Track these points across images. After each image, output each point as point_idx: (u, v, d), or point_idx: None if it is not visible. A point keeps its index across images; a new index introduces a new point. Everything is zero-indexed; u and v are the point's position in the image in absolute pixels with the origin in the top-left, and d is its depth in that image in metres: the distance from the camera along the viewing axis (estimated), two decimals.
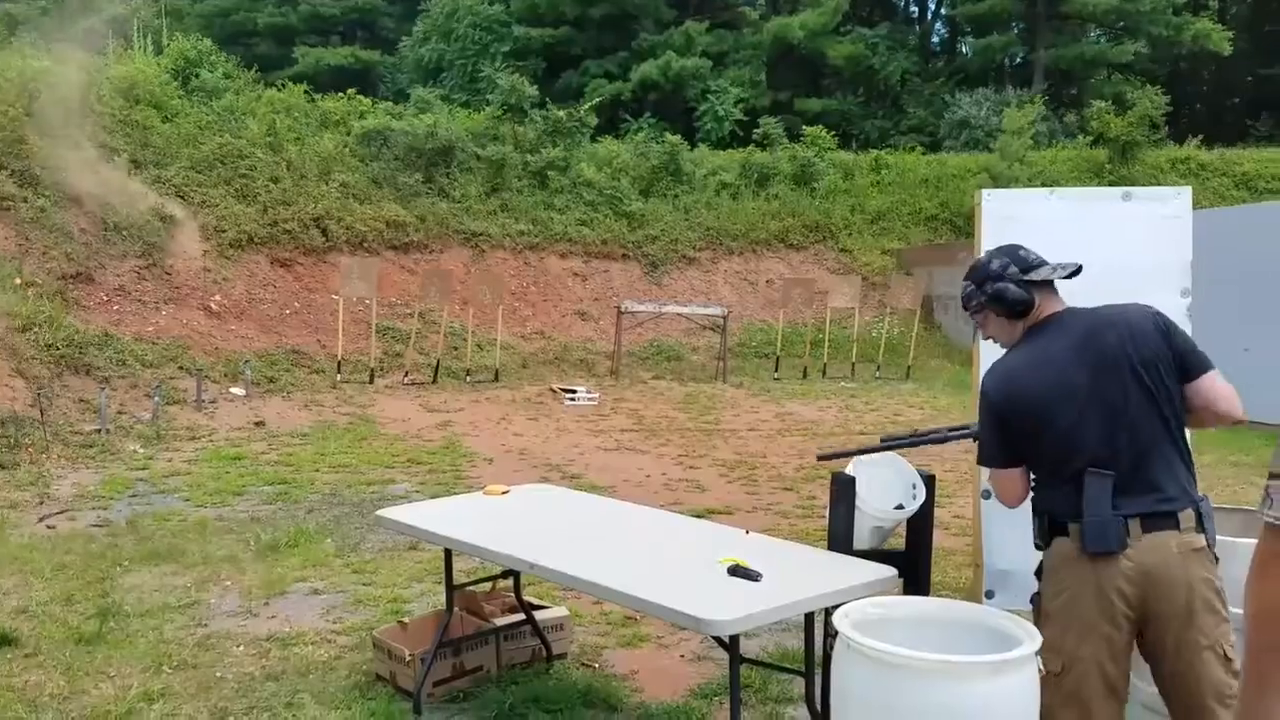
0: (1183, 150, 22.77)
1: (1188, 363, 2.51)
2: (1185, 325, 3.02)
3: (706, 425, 11.21)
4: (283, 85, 19.39)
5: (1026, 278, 2.61)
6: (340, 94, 19.49)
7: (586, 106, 20.92)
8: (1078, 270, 2.58)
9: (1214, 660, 2.43)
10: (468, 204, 17.51)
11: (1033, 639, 2.45)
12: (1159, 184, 17.45)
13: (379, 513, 3.97)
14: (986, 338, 2.74)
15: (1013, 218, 3.11)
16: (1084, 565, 2.50)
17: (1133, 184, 16.73)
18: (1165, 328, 2.52)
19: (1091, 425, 2.49)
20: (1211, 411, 2.52)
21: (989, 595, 3.15)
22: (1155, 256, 3.04)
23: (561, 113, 19.75)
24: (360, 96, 19.59)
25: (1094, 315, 2.58)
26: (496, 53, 29.22)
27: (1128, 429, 2.48)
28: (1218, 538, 2.54)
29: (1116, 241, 3.05)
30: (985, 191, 3.11)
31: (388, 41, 34.01)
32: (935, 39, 36.57)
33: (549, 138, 19.24)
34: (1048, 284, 2.64)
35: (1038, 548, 2.64)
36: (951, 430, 3.00)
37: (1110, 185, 17.04)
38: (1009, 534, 3.03)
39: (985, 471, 3.15)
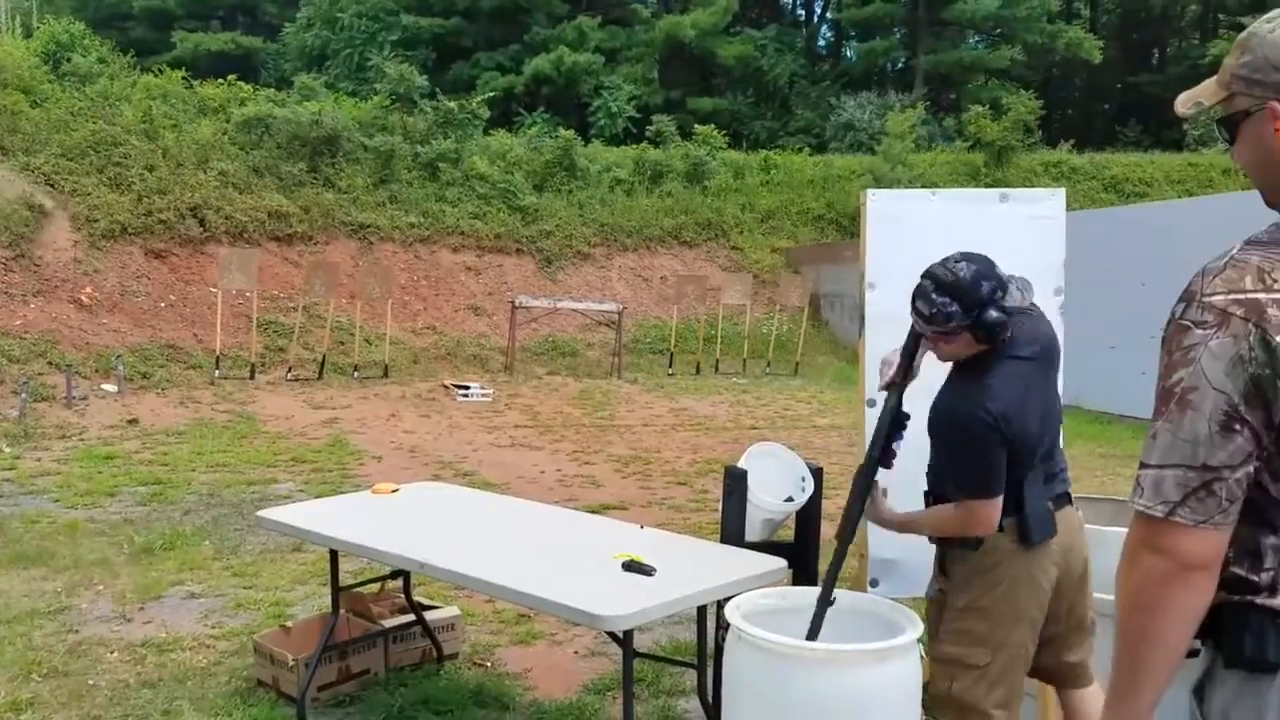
0: (1055, 154, 23.81)
1: None
2: (1059, 323, 3.15)
3: (601, 421, 11.22)
4: (160, 71, 18.61)
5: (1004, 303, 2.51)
6: (220, 80, 18.80)
7: (479, 99, 20.68)
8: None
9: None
10: (355, 195, 17.10)
11: (915, 626, 2.52)
12: (1032, 186, 18.23)
13: (260, 513, 3.84)
14: (947, 357, 2.62)
15: (896, 217, 3.19)
16: (1020, 557, 2.56)
17: (1007, 186, 17.42)
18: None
19: (1037, 427, 2.58)
20: None
21: (873, 584, 3.23)
22: (1030, 256, 3.15)
23: (453, 104, 19.48)
24: (241, 83, 18.94)
25: (1034, 321, 2.65)
26: (384, 41, 28.63)
27: (1052, 423, 2.68)
28: (1088, 526, 2.75)
29: (994, 241, 3.13)
30: (870, 192, 3.18)
31: (270, 28, 32.98)
32: (821, 42, 37.40)
33: (440, 129, 18.94)
34: None
35: (963, 545, 2.60)
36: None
37: (987, 187, 17.67)
38: None
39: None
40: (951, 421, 2.57)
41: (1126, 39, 36.20)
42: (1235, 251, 1.39)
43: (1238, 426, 1.32)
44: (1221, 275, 1.37)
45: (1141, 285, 9.22)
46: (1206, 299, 1.35)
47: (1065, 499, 2.66)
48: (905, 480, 2.84)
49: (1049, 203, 3.21)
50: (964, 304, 2.46)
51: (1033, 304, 2.69)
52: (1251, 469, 1.34)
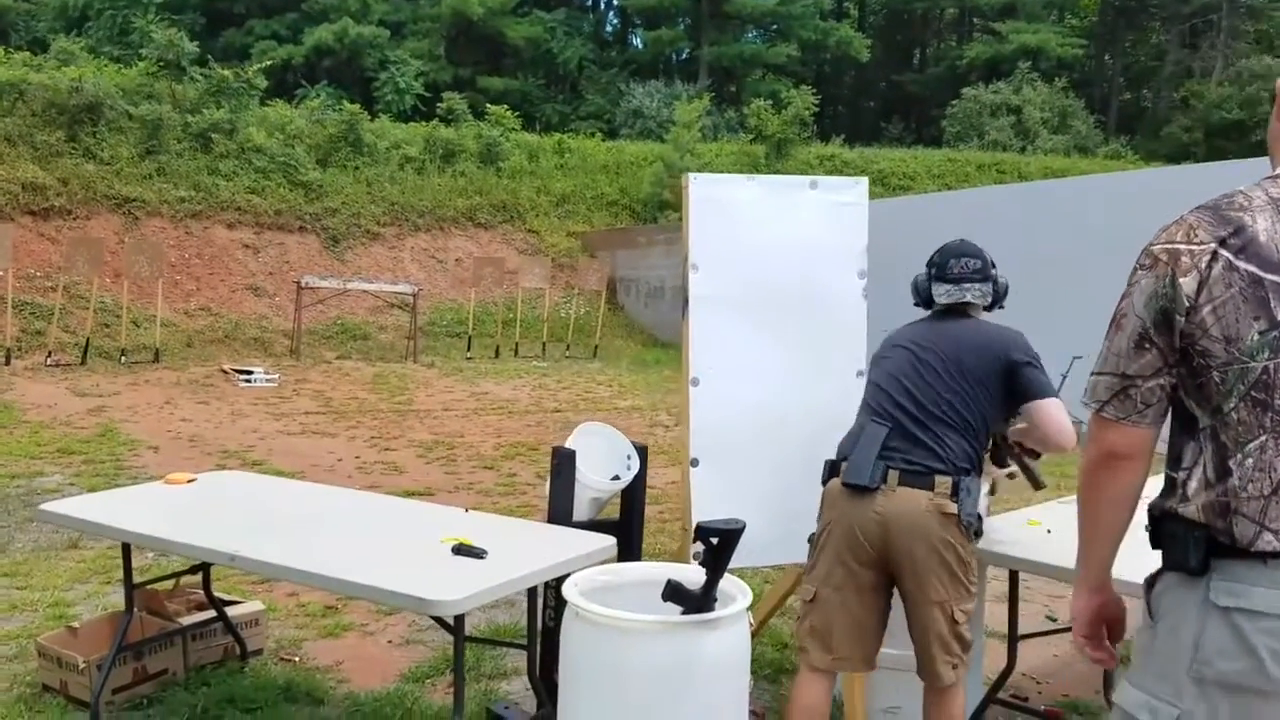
0: (828, 148, 25.14)
1: (1025, 391, 2.75)
2: (861, 303, 3.36)
3: (399, 406, 10.93)
4: None
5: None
6: None
7: (255, 68, 19.56)
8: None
9: (941, 617, 2.66)
10: (118, 166, 15.84)
11: (745, 596, 2.63)
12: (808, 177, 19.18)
13: (43, 507, 3.50)
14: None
15: (716, 200, 3.29)
16: (844, 500, 2.71)
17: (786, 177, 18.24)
18: (1011, 349, 2.77)
19: (897, 382, 2.77)
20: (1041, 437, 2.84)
21: (696, 557, 3.34)
22: (836, 239, 3.35)
23: (227, 72, 18.35)
24: None
25: (968, 322, 2.87)
26: (149, 3, 26.55)
27: (920, 394, 2.73)
28: None
29: (804, 225, 3.32)
30: (692, 175, 3.28)
31: None
32: (608, 28, 37.80)
33: (212, 98, 17.81)
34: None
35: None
36: None
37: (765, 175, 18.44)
38: (715, 499, 3.22)
39: (693, 441, 3.33)
40: None
41: (891, 40, 38.67)
42: (1186, 212, 1.68)
43: (1148, 345, 1.65)
44: (1166, 230, 1.69)
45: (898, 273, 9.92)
46: (1151, 248, 1.69)
47: (919, 478, 2.65)
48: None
49: (853, 190, 3.41)
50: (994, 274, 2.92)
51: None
52: (1164, 381, 1.65)
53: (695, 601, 2.56)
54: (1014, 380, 2.76)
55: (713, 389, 3.29)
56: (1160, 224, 1.75)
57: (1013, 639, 3.29)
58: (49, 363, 12.08)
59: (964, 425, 2.72)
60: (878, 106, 37.11)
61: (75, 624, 3.84)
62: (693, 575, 2.86)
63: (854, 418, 2.93)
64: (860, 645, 2.75)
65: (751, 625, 2.71)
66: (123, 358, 12.73)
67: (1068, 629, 3.70)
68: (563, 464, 3.26)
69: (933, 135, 30.27)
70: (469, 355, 15.32)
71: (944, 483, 2.64)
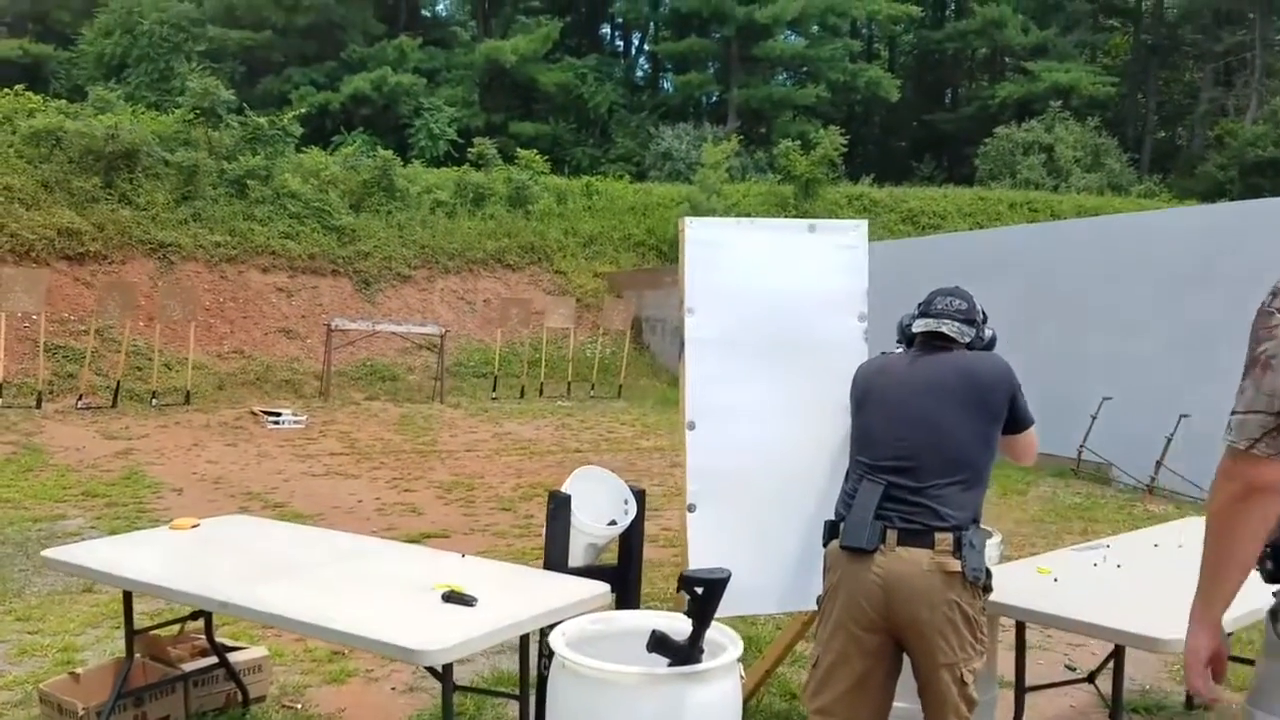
0: (857, 188, 25.13)
1: (1015, 419, 2.74)
2: (862, 346, 3.31)
3: (423, 447, 10.96)
4: None
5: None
6: (6, 90, 17.44)
7: (290, 115, 19.96)
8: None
9: (949, 680, 2.56)
10: (154, 212, 16.15)
11: (736, 646, 2.57)
12: (837, 218, 19.16)
13: (45, 553, 3.53)
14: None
15: (713, 243, 3.28)
16: (844, 564, 2.64)
17: (814, 217, 18.24)
18: (1009, 385, 2.72)
19: (889, 432, 2.68)
20: (1011, 457, 2.90)
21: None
22: (835, 283, 3.31)
23: (263, 120, 18.72)
24: (29, 93, 17.62)
25: (948, 356, 2.77)
26: (190, 52, 27.23)
27: (915, 447, 2.63)
28: None
29: (803, 268, 3.29)
30: (688, 219, 3.26)
31: (63, 36, 30.73)
32: (639, 73, 38.23)
33: (248, 145, 18.17)
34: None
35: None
36: None
37: (795, 219, 18.44)
38: (712, 545, 3.18)
39: (690, 486, 3.29)
40: None
41: (921, 80, 38.76)
42: None
43: None
44: None
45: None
46: None
47: (919, 536, 2.56)
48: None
49: (852, 233, 3.38)
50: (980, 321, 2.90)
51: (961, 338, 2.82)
52: None
53: (681, 653, 2.51)
54: (1012, 411, 2.73)
55: (710, 433, 3.26)
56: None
57: (1020, 690, 3.20)
58: (79, 405, 12.27)
59: (965, 472, 2.63)
60: (908, 146, 37.12)
61: (78, 670, 3.84)
62: (684, 625, 2.81)
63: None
64: (867, 711, 2.67)
65: (743, 678, 2.64)
66: (153, 400, 12.90)
67: (1082, 679, 3.61)
68: (558, 509, 3.23)
69: (964, 174, 30.20)
70: (494, 395, 15.37)
71: (945, 539, 2.55)
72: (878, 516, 2.59)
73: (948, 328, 2.76)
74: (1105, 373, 9.43)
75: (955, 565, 2.53)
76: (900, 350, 2.88)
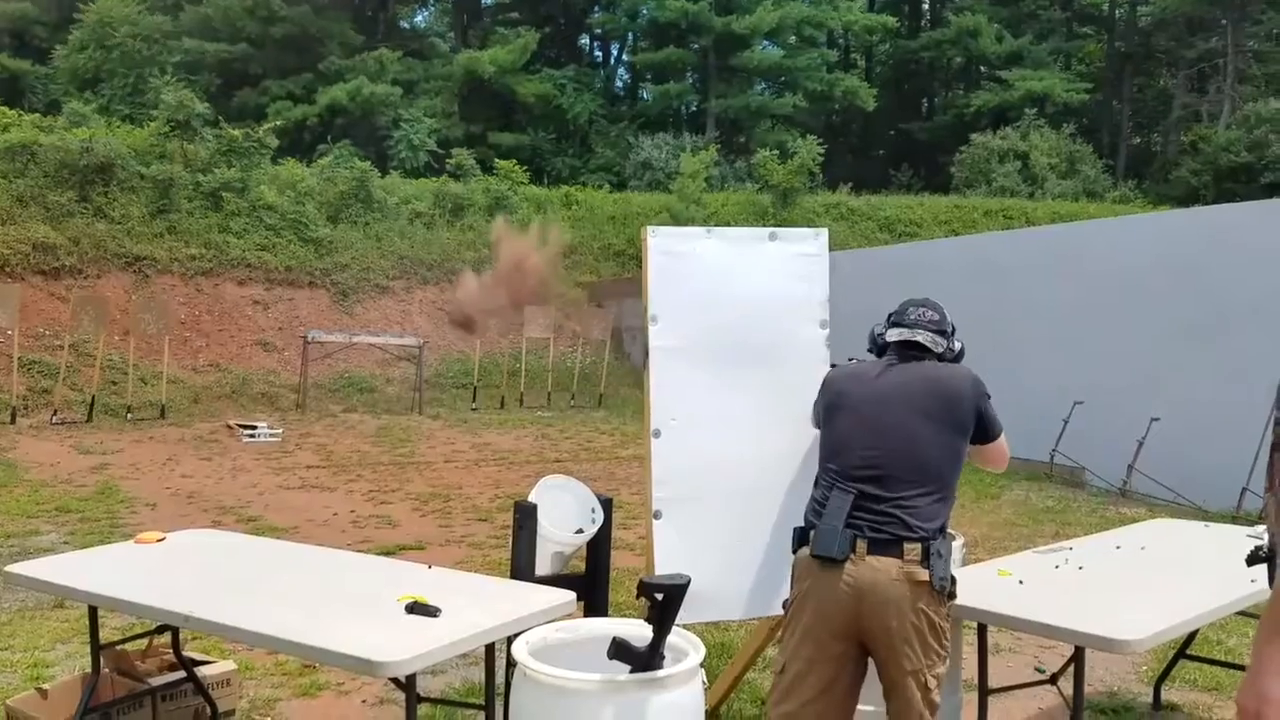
0: (835, 196, 25.24)
1: (983, 429, 2.79)
2: (824, 354, 3.34)
3: (400, 458, 10.93)
4: None
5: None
6: None
7: (266, 127, 19.90)
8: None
9: (914, 686, 2.60)
10: (129, 225, 16.08)
11: (698, 651, 2.58)
12: (815, 226, 19.24)
13: (8, 568, 3.50)
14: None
15: (675, 253, 3.30)
16: (814, 571, 2.66)
17: (792, 225, 18.32)
18: (976, 397, 2.76)
19: (859, 440, 2.71)
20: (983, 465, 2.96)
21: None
22: (797, 291, 3.34)
23: (238, 132, 18.66)
24: (4, 108, 17.54)
25: (919, 366, 2.81)
26: (164, 64, 27.10)
27: (885, 456, 2.67)
28: None
29: (764, 277, 3.32)
30: (650, 229, 3.29)
31: (40, 51, 30.53)
32: (618, 83, 38.30)
33: (223, 158, 18.09)
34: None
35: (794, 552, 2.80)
36: None
37: (773, 227, 18.50)
38: (677, 551, 3.19)
39: (655, 493, 3.30)
40: None
41: (898, 89, 38.99)
42: None
43: None
44: None
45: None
46: None
47: (889, 546, 2.60)
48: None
49: (813, 241, 3.41)
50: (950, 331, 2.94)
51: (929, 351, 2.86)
52: None
53: (642, 659, 2.52)
54: (981, 421, 2.77)
55: (675, 440, 3.28)
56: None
57: (983, 693, 3.23)
58: (54, 421, 12.18)
59: (934, 482, 2.68)
60: (886, 155, 37.33)
61: (46, 686, 3.81)
62: (648, 632, 2.82)
63: (814, 467, 2.90)
64: (833, 716, 2.70)
65: (705, 684, 2.65)
66: (129, 415, 12.81)
67: (1045, 681, 3.63)
68: (524, 518, 3.24)
69: (941, 182, 30.38)
70: (474, 406, 15.35)
71: (913, 549, 2.60)
72: (848, 525, 2.63)
73: (922, 337, 2.81)
74: (1076, 377, 9.52)
75: (923, 574, 2.58)
76: (870, 359, 2.93)
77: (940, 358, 2.83)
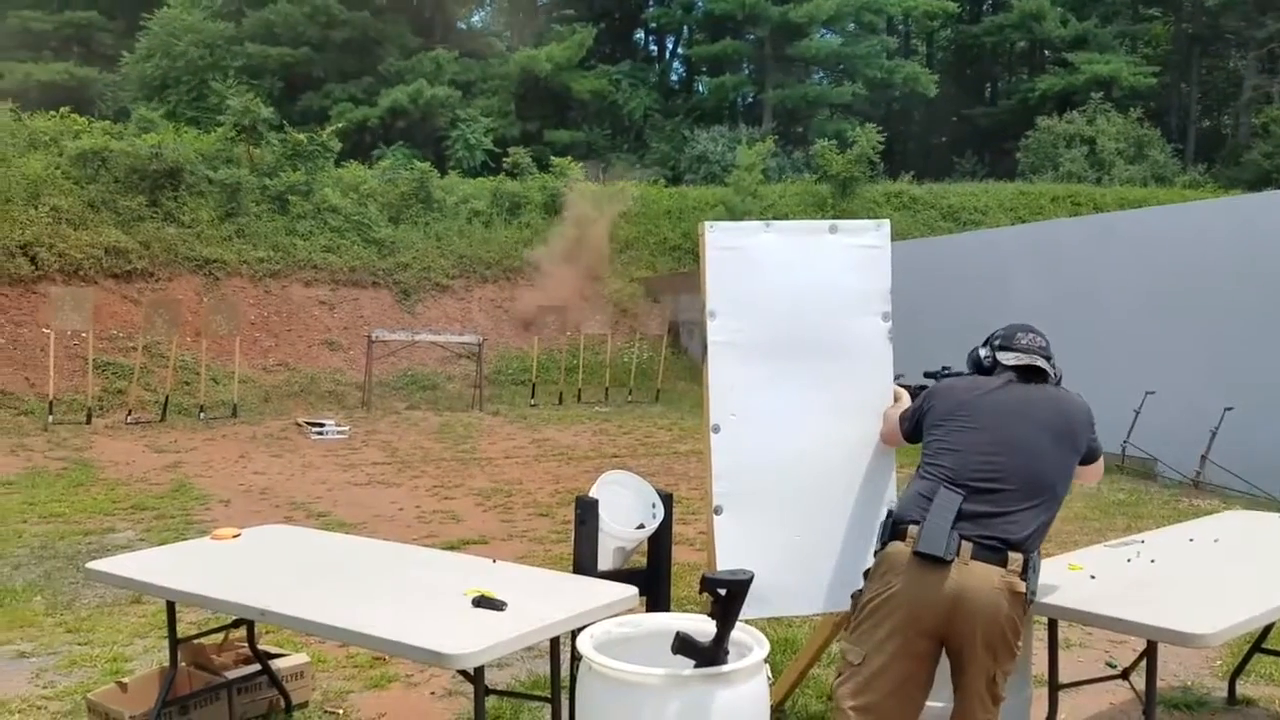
0: (896, 185, 24.91)
1: (1090, 452, 2.90)
2: (886, 347, 3.31)
3: (462, 454, 11.07)
4: None
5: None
6: (53, 112, 17.88)
7: (329, 130, 20.26)
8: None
9: (984, 683, 2.66)
10: (199, 229, 16.47)
11: (762, 647, 2.59)
12: (876, 216, 19.01)
13: (89, 565, 3.63)
14: None
15: (733, 248, 3.29)
16: (912, 569, 2.65)
17: (852, 216, 18.12)
18: (1090, 422, 2.88)
19: (981, 449, 2.76)
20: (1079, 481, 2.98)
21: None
22: (858, 284, 3.31)
23: (302, 136, 19.02)
24: (75, 115, 18.05)
25: (1040, 388, 2.91)
26: (228, 69, 27.71)
27: (1003, 467, 2.72)
28: None
29: (825, 270, 3.30)
30: (708, 224, 3.27)
31: (107, 58, 31.41)
32: (674, 77, 38.23)
33: (288, 161, 18.46)
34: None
35: (876, 554, 2.81)
36: None
37: (833, 218, 18.32)
38: (739, 547, 3.19)
39: (715, 488, 3.31)
40: None
41: (960, 74, 38.34)
42: None
43: None
44: None
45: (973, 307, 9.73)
46: None
47: (994, 553, 2.63)
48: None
49: (875, 233, 3.38)
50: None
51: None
52: None
53: (706, 654, 2.53)
54: (1091, 443, 2.91)
55: (735, 436, 3.28)
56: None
57: (1053, 688, 3.18)
58: (129, 421, 12.54)
59: (1045, 497, 2.74)
60: (948, 142, 36.74)
61: (125, 680, 3.94)
62: (711, 627, 2.82)
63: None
64: (909, 711, 2.72)
65: (770, 679, 2.65)
66: (201, 414, 13.15)
67: (1116, 676, 3.57)
68: (586, 513, 3.26)
69: (1006, 168, 29.84)
70: (533, 402, 15.47)
71: (1016, 559, 2.64)
72: (954, 526, 2.64)
73: (1040, 363, 2.91)
74: (1147, 365, 9.29)
75: (1022, 586, 2.64)
76: (972, 374, 3.02)
77: (1056, 382, 2.96)
